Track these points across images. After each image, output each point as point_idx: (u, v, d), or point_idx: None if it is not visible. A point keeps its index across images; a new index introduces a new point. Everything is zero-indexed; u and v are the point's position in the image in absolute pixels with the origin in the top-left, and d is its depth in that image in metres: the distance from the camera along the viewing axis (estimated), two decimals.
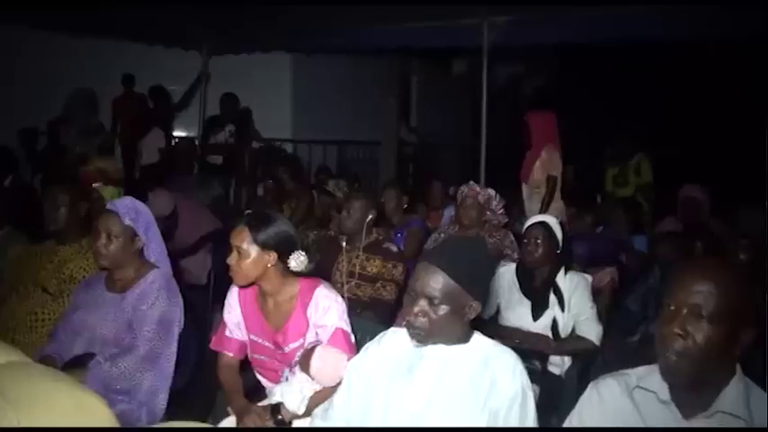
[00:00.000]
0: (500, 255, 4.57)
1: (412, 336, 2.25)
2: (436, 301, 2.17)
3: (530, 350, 3.56)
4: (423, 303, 2.18)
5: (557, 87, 12.96)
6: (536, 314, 3.72)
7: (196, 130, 9.17)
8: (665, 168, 7.82)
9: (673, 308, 1.77)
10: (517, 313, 3.77)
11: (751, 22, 6.18)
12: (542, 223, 3.83)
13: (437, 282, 2.16)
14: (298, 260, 2.96)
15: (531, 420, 2.18)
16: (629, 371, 1.97)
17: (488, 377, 2.19)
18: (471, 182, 4.99)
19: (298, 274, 3.03)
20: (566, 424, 2.05)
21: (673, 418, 1.82)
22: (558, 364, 3.66)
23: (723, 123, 10.94)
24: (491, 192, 4.91)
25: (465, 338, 2.28)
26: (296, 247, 2.99)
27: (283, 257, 2.94)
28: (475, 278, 2.22)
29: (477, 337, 2.31)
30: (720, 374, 1.79)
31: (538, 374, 3.45)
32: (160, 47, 8.59)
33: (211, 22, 7.82)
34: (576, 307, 3.67)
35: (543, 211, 5.70)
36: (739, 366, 1.82)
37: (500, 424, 2.15)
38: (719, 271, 1.79)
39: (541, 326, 3.69)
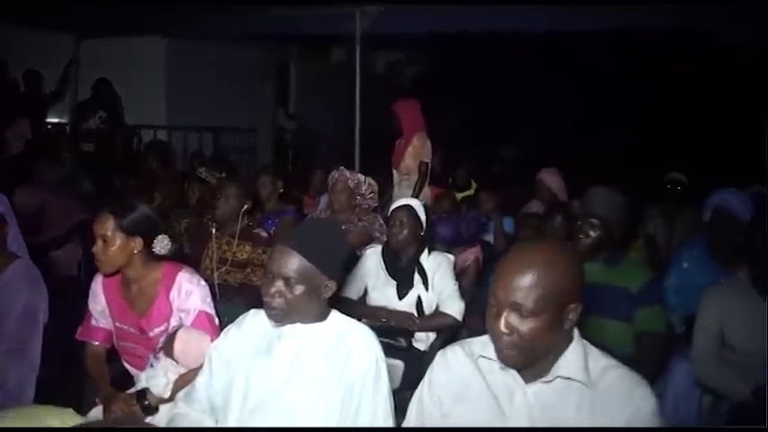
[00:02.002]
0: (370, 238, 4.67)
1: (270, 316, 2.31)
2: (292, 282, 2.22)
3: (395, 328, 3.69)
4: (279, 284, 2.24)
5: (435, 75, 13.20)
6: (401, 293, 3.83)
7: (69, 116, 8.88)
8: (535, 152, 8.17)
9: (495, 307, 1.85)
10: (384, 293, 3.88)
11: (639, 14, 6.55)
12: (406, 206, 3.94)
13: (292, 263, 2.22)
14: (162, 244, 3.00)
15: (384, 391, 2.27)
16: (474, 339, 2.07)
17: (344, 352, 2.27)
18: (342, 167, 5.07)
19: (161, 259, 3.05)
20: (417, 390, 2.13)
21: (515, 383, 1.92)
22: (423, 340, 3.78)
23: (590, 109, 11.48)
24: (360, 177, 5.00)
25: (322, 317, 2.35)
26: (159, 231, 3.02)
27: (148, 242, 2.96)
28: (329, 258, 2.29)
29: (335, 315, 2.38)
30: (557, 343, 1.88)
31: (403, 350, 3.59)
32: (27, 29, 8.24)
33: (82, 4, 7.54)
34: (439, 285, 3.80)
35: (415, 196, 5.84)
36: (577, 331, 1.93)
37: (355, 396, 2.23)
38: (539, 260, 1.82)
39: (407, 304, 3.81)
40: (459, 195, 6.56)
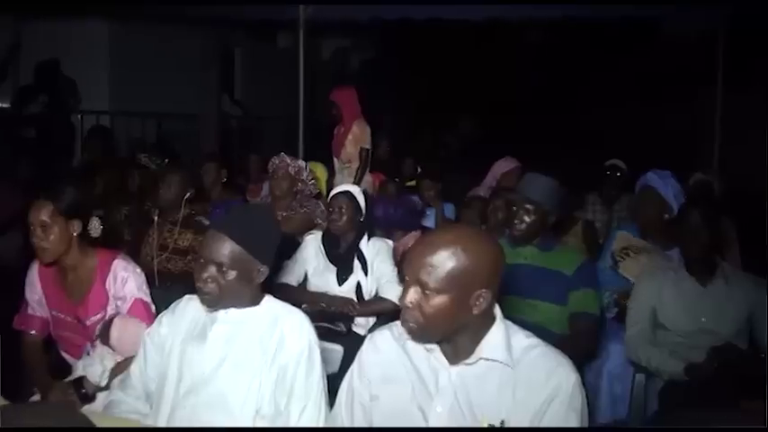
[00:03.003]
0: (311, 224, 4.67)
1: (203, 301, 2.32)
2: (224, 267, 2.23)
3: (335, 313, 3.73)
4: (212, 269, 2.25)
5: (381, 62, 13.21)
6: (341, 279, 3.86)
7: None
8: (479, 139, 8.26)
9: (407, 279, 1.90)
10: (324, 279, 3.91)
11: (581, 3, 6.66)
12: (346, 192, 3.97)
13: (224, 248, 2.23)
14: (93, 225, 3.00)
15: (317, 374, 2.30)
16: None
17: (277, 336, 2.29)
18: (282, 153, 5.07)
19: (96, 247, 3.05)
20: (348, 373, 2.16)
21: (439, 365, 1.96)
22: (363, 325, 3.82)
23: (533, 96, 11.63)
24: (301, 163, 5.00)
25: (255, 301, 2.37)
26: (92, 212, 3.01)
27: (85, 224, 2.96)
28: (261, 243, 2.31)
29: (268, 299, 2.40)
30: (477, 324, 1.92)
31: (343, 335, 3.62)
32: None
33: None
34: (378, 270, 3.84)
35: (357, 183, 5.86)
36: (499, 312, 1.97)
37: (288, 379, 2.26)
38: (449, 241, 1.85)
39: (346, 290, 3.84)
40: (407, 183, 6.60)
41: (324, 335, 3.31)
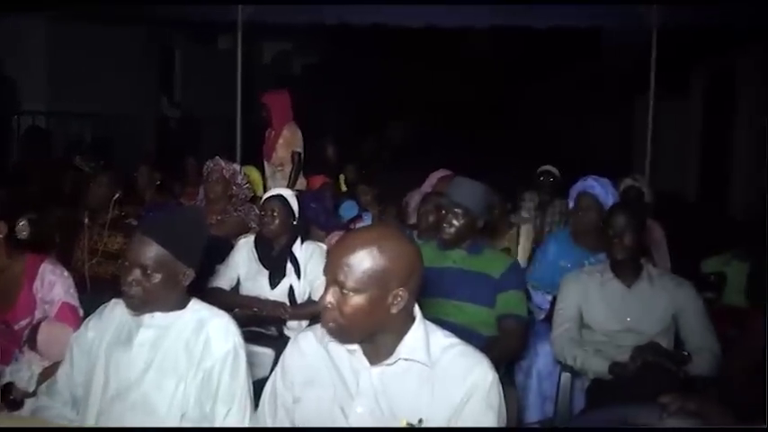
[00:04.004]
0: (245, 228, 4.67)
1: (128, 305, 2.32)
2: (149, 270, 2.23)
3: (267, 316, 3.73)
4: (137, 273, 2.24)
5: (322, 66, 13.24)
6: (273, 282, 3.85)
7: None
8: (417, 144, 8.34)
9: (326, 281, 1.92)
10: (256, 282, 3.89)
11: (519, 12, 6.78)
12: (278, 196, 3.96)
13: (149, 251, 2.23)
14: (20, 227, 2.97)
15: (242, 378, 2.31)
16: None
17: (202, 340, 2.30)
18: (217, 157, 5.06)
19: (24, 251, 3.01)
20: (271, 375, 2.18)
21: (360, 366, 1.99)
22: (296, 328, 3.79)
23: (476, 105, 11.79)
24: (236, 167, 5.00)
25: (181, 305, 2.36)
26: (20, 214, 2.99)
27: (12, 227, 2.93)
28: (186, 246, 2.31)
29: (194, 303, 2.40)
30: (397, 324, 1.95)
31: (274, 339, 3.63)
32: None
33: None
34: (311, 273, 3.83)
35: (290, 186, 5.87)
36: (419, 312, 2.00)
37: (214, 383, 2.27)
38: (366, 242, 1.87)
39: (279, 293, 3.83)
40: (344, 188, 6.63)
41: (255, 339, 3.33)
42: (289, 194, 4.01)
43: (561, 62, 11.81)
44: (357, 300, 1.86)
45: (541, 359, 3.79)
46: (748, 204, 11.14)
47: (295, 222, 3.92)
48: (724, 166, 12.24)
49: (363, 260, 1.85)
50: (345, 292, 1.86)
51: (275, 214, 3.87)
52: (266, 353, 3.36)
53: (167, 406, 2.27)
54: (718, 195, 12.22)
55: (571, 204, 4.43)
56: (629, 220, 3.42)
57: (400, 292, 1.88)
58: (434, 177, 5.91)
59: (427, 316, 2.78)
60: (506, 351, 3.40)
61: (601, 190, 4.28)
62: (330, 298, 1.89)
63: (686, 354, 3.26)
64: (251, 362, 2.66)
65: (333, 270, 1.88)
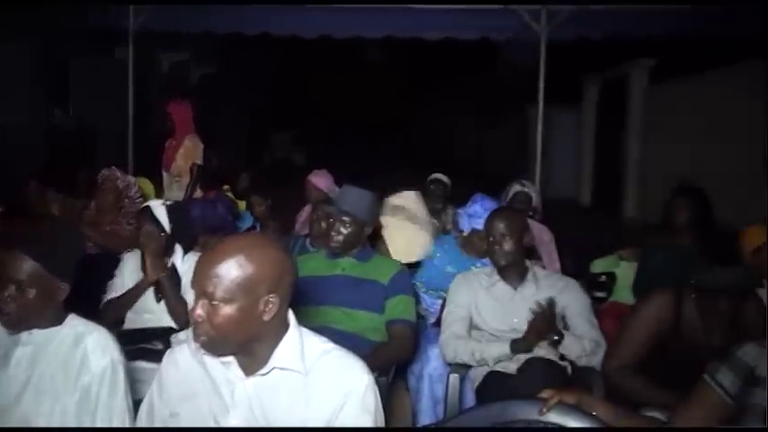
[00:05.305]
0: (136, 241, 4.58)
1: (3, 323, 2.28)
2: (24, 285, 2.21)
3: (153, 331, 3.64)
4: (11, 289, 2.22)
5: (218, 76, 13.13)
6: (158, 296, 3.72)
7: None
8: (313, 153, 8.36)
9: (196, 292, 1.89)
10: (142, 297, 3.74)
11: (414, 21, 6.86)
12: (145, 208, 3.83)
13: (23, 267, 2.21)
14: None
15: (121, 393, 2.28)
16: None
17: (80, 355, 2.27)
18: (113, 167, 4.95)
19: None
20: (149, 389, 2.14)
21: (235, 377, 1.97)
22: (184, 341, 3.75)
23: (372, 115, 11.91)
24: (131, 179, 4.92)
25: (58, 320, 2.33)
26: None
27: None
28: (60, 261, 2.29)
29: (72, 318, 2.37)
30: (272, 333, 1.94)
31: (160, 353, 3.53)
32: None
33: None
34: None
35: (188, 198, 5.80)
36: (293, 319, 1.99)
37: (92, 399, 2.24)
38: (231, 251, 1.86)
39: (165, 307, 3.69)
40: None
41: (142, 355, 3.27)
42: (155, 205, 3.83)
43: (457, 73, 12.05)
44: (227, 310, 1.84)
45: (433, 362, 3.83)
46: (636, 208, 11.68)
47: (162, 234, 3.74)
48: (615, 172, 12.74)
49: (231, 269, 1.83)
50: (215, 303, 1.84)
51: (142, 226, 3.74)
52: (154, 369, 3.26)
53: (46, 424, 2.23)
54: (608, 200, 12.71)
55: (464, 229, 4.46)
56: (507, 226, 3.51)
57: (271, 299, 1.88)
58: (310, 182, 5.88)
59: (317, 324, 2.82)
60: (395, 355, 3.46)
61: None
62: (200, 311, 1.86)
63: (559, 336, 3.32)
64: (138, 378, 2.66)
65: (200, 282, 1.86)
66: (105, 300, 3.79)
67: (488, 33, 7.57)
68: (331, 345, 2.03)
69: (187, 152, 6.27)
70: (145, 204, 3.93)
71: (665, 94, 11.50)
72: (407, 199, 4.83)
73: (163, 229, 3.75)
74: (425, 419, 3.82)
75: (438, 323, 3.98)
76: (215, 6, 6.58)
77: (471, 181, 6.24)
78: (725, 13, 6.80)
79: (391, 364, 3.40)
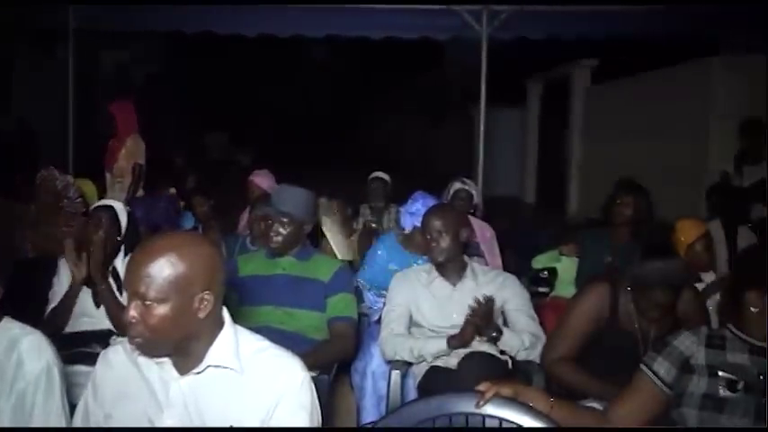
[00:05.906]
0: (78, 243, 4.52)
1: None
2: None
3: (92, 334, 3.59)
4: None
5: (166, 75, 12.98)
6: (97, 301, 3.63)
7: None
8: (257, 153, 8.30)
9: (128, 294, 1.87)
10: (81, 302, 3.66)
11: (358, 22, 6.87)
12: (107, 207, 3.78)
13: None
14: None
15: (57, 396, 2.24)
16: None
17: (14, 359, 2.22)
18: (52, 167, 4.88)
19: None
20: (84, 393, 2.12)
21: (169, 376, 1.96)
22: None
23: (319, 114, 11.91)
24: (70, 179, 4.84)
25: None
26: None
27: None
28: None
29: (6, 321, 2.31)
30: (206, 331, 1.93)
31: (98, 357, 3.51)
32: None
33: None
34: None
35: (130, 198, 5.75)
36: (228, 316, 1.99)
37: (27, 404, 2.20)
38: (161, 250, 1.84)
39: (104, 312, 3.60)
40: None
41: (81, 358, 3.22)
42: (120, 208, 3.81)
43: (402, 73, 12.11)
44: (161, 310, 1.83)
45: (376, 360, 3.87)
46: (579, 205, 11.91)
47: (120, 237, 3.72)
48: (557, 170, 12.97)
49: (163, 268, 1.82)
50: (148, 303, 1.83)
51: (99, 226, 3.66)
52: (91, 371, 3.26)
53: None
54: (552, 197, 12.93)
55: (406, 227, 4.51)
56: (443, 223, 3.56)
57: (206, 296, 1.87)
58: (252, 183, 5.85)
59: (258, 324, 2.82)
60: (337, 353, 3.47)
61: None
62: (133, 312, 1.84)
63: (497, 332, 3.36)
64: (76, 382, 2.62)
65: (133, 282, 1.84)
66: (48, 309, 3.70)
67: (430, 33, 7.66)
68: (266, 343, 2.04)
69: (129, 152, 6.22)
70: (104, 204, 3.85)
71: (606, 94, 11.77)
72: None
73: (119, 232, 3.71)
74: (369, 416, 3.85)
75: (380, 321, 4.02)
76: (156, 6, 6.50)
77: (416, 179, 6.30)
78: (666, 14, 6.97)
79: (333, 362, 3.41)
